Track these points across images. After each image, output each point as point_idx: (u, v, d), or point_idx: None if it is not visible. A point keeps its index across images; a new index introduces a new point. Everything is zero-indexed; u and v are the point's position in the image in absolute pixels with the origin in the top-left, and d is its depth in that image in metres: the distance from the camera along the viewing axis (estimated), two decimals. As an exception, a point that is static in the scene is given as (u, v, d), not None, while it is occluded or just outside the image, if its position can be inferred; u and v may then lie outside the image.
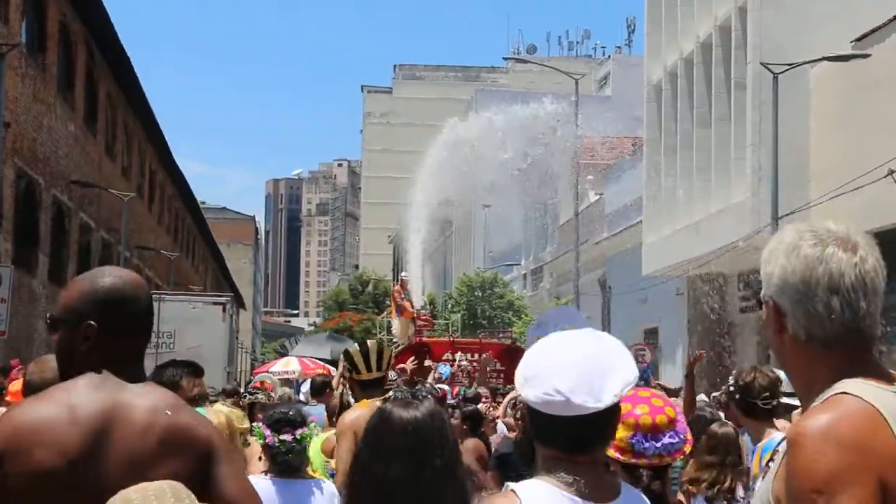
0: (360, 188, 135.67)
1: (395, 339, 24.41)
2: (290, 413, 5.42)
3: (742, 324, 27.64)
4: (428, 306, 26.11)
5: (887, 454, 2.10)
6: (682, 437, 3.85)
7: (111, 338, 2.75)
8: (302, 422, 5.33)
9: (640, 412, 3.78)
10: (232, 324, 22.07)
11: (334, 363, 29.01)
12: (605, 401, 2.50)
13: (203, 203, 78.91)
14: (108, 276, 2.84)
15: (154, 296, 15.83)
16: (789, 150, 22.12)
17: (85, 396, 2.64)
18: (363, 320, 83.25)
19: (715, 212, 25.53)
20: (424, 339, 22.10)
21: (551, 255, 44.27)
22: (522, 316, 39.10)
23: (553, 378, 2.50)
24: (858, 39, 21.75)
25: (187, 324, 19.26)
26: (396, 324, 25.36)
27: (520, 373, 2.58)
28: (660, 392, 4.34)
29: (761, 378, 5.44)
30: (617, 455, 3.72)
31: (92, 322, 2.73)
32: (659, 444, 3.74)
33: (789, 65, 21.36)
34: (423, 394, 2.95)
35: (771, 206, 21.63)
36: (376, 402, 5.30)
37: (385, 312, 57.64)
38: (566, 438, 2.52)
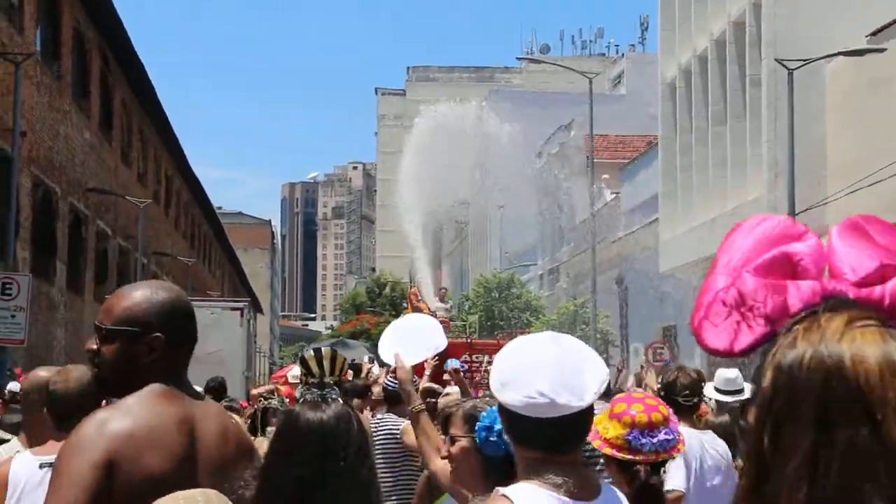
0: (375, 191, 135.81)
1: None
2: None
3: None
4: (452, 309, 26.04)
5: None
6: (675, 434, 3.90)
7: (172, 349, 2.84)
8: None
9: (635, 411, 3.87)
10: (250, 329, 22.09)
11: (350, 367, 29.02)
12: (588, 399, 2.51)
13: (219, 208, 79.11)
14: (166, 289, 2.93)
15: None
16: (805, 146, 22.03)
17: (169, 405, 2.75)
18: (380, 323, 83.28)
19: (731, 208, 25.45)
20: (442, 340, 22.06)
21: (567, 254, 44.22)
22: (540, 316, 39.06)
23: (534, 381, 2.49)
24: (873, 34, 21.65)
25: (205, 329, 19.14)
26: (413, 326, 25.32)
27: (496, 378, 2.56)
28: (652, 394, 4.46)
29: (683, 377, 5.63)
30: (614, 452, 3.81)
31: (159, 334, 2.81)
32: (655, 441, 3.81)
33: (804, 60, 21.26)
34: (333, 396, 2.99)
35: (788, 202, 21.54)
36: None
37: (402, 316, 57.75)
38: (549, 440, 2.50)
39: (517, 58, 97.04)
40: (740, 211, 24.87)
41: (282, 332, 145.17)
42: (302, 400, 3.05)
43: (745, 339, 1.39)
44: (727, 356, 1.42)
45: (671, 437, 3.88)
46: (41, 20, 25.51)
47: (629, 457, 3.80)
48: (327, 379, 6.84)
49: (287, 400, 11.33)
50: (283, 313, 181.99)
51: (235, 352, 20.02)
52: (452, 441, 3.40)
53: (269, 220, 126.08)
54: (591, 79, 31.76)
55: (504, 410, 2.55)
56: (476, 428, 3.22)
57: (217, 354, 18.37)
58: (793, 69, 21.27)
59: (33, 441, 4.14)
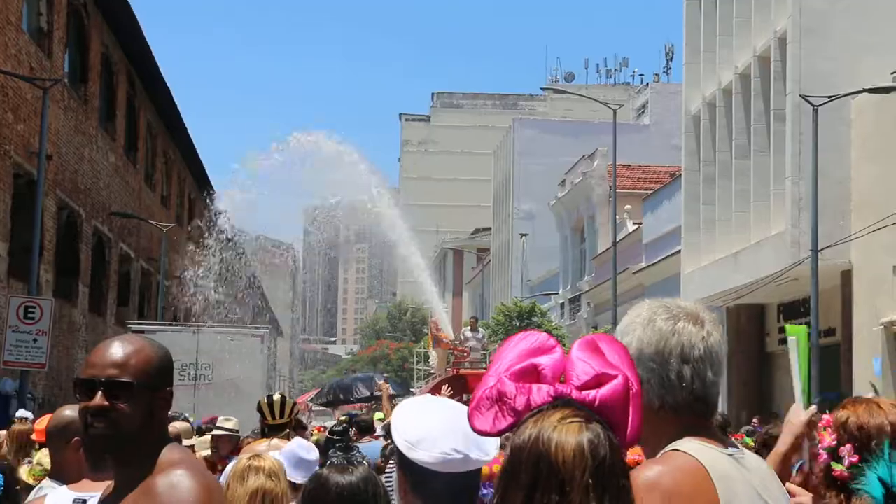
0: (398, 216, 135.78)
1: (432, 371, 24.35)
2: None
3: (783, 355, 27.35)
4: (484, 339, 25.87)
5: None
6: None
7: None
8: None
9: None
10: (269, 355, 22.13)
11: (370, 398, 29.01)
12: (492, 453, 2.65)
13: (242, 231, 79.31)
14: (154, 343, 3.01)
15: (192, 328, 15.79)
16: (829, 182, 21.94)
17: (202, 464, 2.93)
18: (400, 349, 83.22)
19: (754, 243, 25.36)
20: (461, 371, 22.03)
21: (589, 284, 44.12)
22: (563, 345, 38.95)
23: (445, 438, 2.60)
24: (899, 70, 21.60)
25: (225, 355, 19.31)
26: (434, 354, 25.32)
27: (402, 438, 2.64)
28: None
29: None
30: None
31: (170, 388, 2.92)
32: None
33: (829, 97, 21.21)
34: (359, 459, 3.04)
35: (811, 237, 21.45)
36: (279, 441, 7.01)
37: (422, 342, 57.63)
38: (447, 494, 2.61)
39: (542, 88, 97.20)
40: (763, 245, 24.79)
41: (302, 356, 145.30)
42: (329, 462, 3.11)
43: (500, 425, 1.94)
44: (489, 436, 1.99)
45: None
46: (70, 44, 25.75)
47: None
48: (277, 421, 7.25)
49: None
50: (304, 336, 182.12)
51: (255, 378, 20.05)
52: None
53: (291, 244, 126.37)
54: (616, 110, 31.78)
55: (409, 468, 2.62)
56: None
57: (236, 381, 18.41)
58: (818, 105, 21.21)
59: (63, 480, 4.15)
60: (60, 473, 4.28)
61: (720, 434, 2.59)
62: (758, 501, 2.48)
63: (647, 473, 2.42)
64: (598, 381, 2.05)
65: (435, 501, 2.63)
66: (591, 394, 2.02)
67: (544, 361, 2.08)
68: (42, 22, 23.49)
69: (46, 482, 4.52)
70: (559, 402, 1.98)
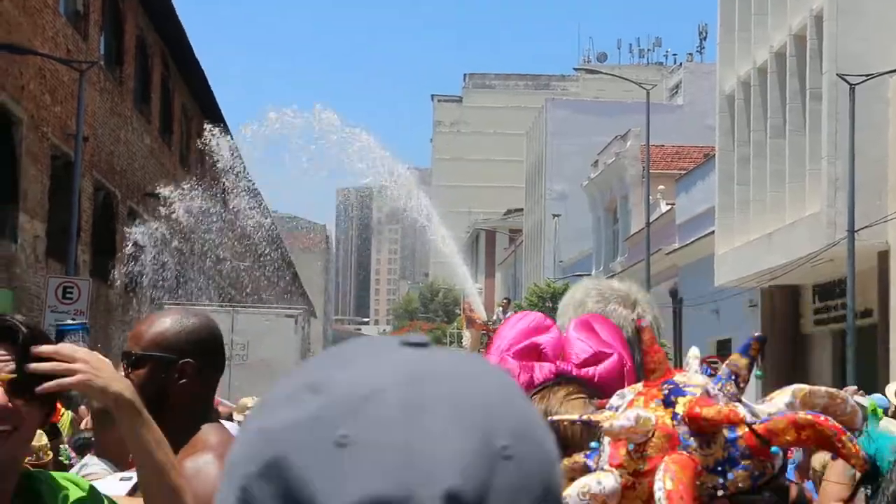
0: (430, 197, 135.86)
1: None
2: None
3: (817, 336, 27.23)
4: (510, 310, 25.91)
5: None
6: None
7: (201, 376, 2.87)
8: None
9: None
10: (304, 335, 22.25)
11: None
12: None
13: (275, 212, 79.62)
14: (196, 316, 2.97)
15: (228, 308, 15.87)
16: (866, 162, 21.77)
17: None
18: (433, 329, 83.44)
19: (789, 223, 25.20)
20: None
21: (622, 265, 44.02)
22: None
23: None
24: (937, 48, 21.38)
25: (260, 336, 19.43)
26: (467, 335, 25.39)
27: None
28: None
29: None
30: None
31: (192, 360, 2.83)
32: None
33: (867, 75, 21.02)
34: None
35: (847, 217, 21.31)
36: None
37: (455, 323, 57.71)
38: None
39: (574, 68, 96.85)
40: (798, 226, 24.64)
41: (335, 336, 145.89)
42: None
43: None
44: None
45: None
46: (105, 27, 25.92)
47: None
48: None
49: None
50: (337, 317, 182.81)
51: (289, 359, 20.16)
52: None
53: (325, 225, 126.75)
54: (649, 90, 31.65)
55: None
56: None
57: (270, 361, 18.50)
58: (854, 84, 21.03)
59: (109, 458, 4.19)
60: (106, 451, 4.33)
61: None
62: None
63: None
64: (596, 358, 2.19)
65: None
66: (590, 371, 2.16)
67: (544, 340, 2.19)
68: (78, 5, 23.66)
69: (89, 458, 4.58)
70: (561, 378, 2.11)
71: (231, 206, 26.35)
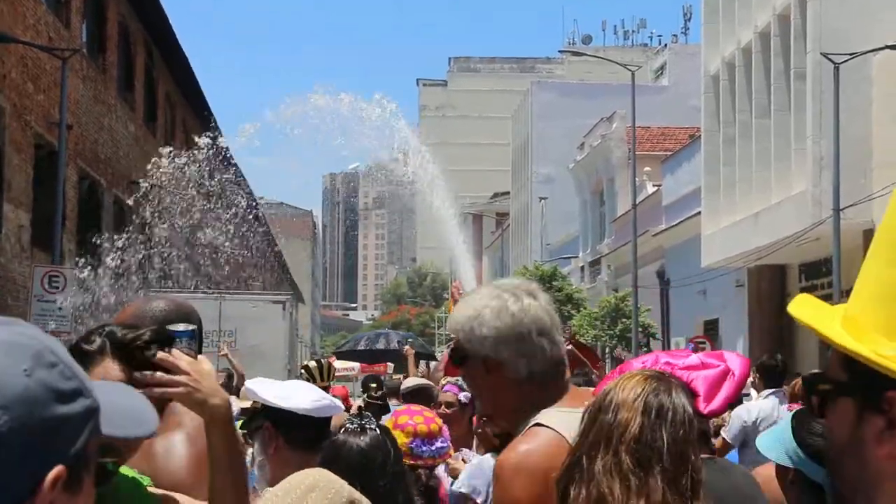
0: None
1: (452, 336, 24.25)
2: None
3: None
4: None
5: None
6: (448, 442, 4.64)
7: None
8: None
9: (416, 422, 4.55)
10: (291, 321, 22.21)
11: (388, 354, 28.95)
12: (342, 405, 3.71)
13: (261, 198, 79.46)
14: (163, 300, 3.15)
15: (215, 295, 15.80)
16: (851, 140, 21.82)
17: None
18: (421, 314, 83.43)
19: (775, 203, 25.26)
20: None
21: (609, 247, 44.09)
22: (581, 309, 38.96)
23: (310, 391, 3.55)
24: (921, 27, 21.40)
25: (248, 322, 19.39)
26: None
27: (273, 394, 3.44)
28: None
29: None
30: None
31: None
32: (433, 448, 4.48)
33: (850, 54, 21.05)
34: (371, 425, 3.27)
35: (832, 196, 21.37)
36: None
37: (443, 307, 57.58)
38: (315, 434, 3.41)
39: (559, 50, 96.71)
40: (784, 205, 24.69)
41: (323, 322, 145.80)
42: (343, 429, 3.33)
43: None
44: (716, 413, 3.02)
45: (445, 444, 4.60)
46: (87, 14, 25.76)
47: (411, 462, 4.37)
48: (323, 383, 7.85)
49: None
50: (324, 303, 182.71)
51: (277, 344, 20.14)
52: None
53: (311, 211, 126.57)
54: (634, 72, 31.63)
55: (286, 417, 3.36)
56: None
57: (258, 348, 18.49)
58: (839, 63, 21.06)
59: None
60: None
61: (573, 389, 2.87)
62: None
63: (512, 455, 2.62)
64: (702, 366, 2.90)
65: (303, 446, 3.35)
66: (691, 374, 2.83)
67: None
68: (59, -8, 23.51)
69: None
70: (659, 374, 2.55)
71: (214, 186, 26.27)
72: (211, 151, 26.00)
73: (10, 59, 20.15)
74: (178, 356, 2.41)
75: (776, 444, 3.04)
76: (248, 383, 3.31)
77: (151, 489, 2.54)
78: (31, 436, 1.14)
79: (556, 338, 2.83)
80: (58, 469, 1.16)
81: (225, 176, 26.08)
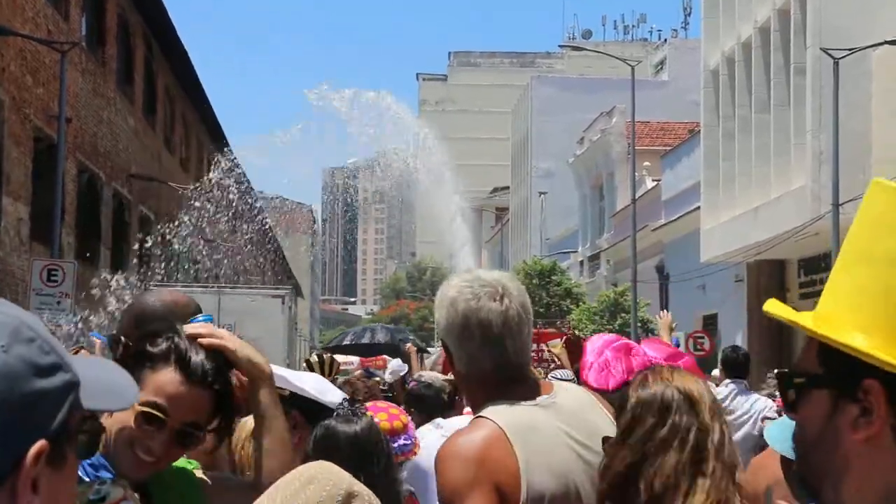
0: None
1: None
2: None
3: (803, 310, 27.22)
4: None
5: (502, 465, 2.58)
6: (413, 439, 4.67)
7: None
8: None
9: (380, 419, 4.52)
10: (290, 315, 22.20)
11: (389, 349, 28.88)
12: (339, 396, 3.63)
13: (261, 193, 79.40)
14: (141, 296, 3.54)
15: (214, 289, 15.80)
16: (850, 136, 21.81)
17: None
18: (420, 308, 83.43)
19: (774, 198, 25.26)
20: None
21: (608, 241, 44.09)
22: (581, 303, 38.95)
23: (307, 378, 3.80)
24: (921, 22, 21.38)
25: (247, 316, 19.34)
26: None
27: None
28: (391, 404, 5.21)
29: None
30: None
31: (124, 337, 3.19)
32: (396, 445, 4.42)
33: (850, 49, 21.03)
34: (363, 411, 3.42)
35: (832, 191, 21.36)
36: None
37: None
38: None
39: (559, 45, 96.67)
40: (783, 200, 24.68)
41: (322, 316, 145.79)
42: (335, 414, 3.40)
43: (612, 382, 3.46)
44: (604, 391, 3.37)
45: (409, 441, 4.61)
46: (86, 7, 25.73)
47: None
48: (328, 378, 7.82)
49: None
50: (324, 297, 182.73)
51: (276, 338, 20.12)
52: None
53: (310, 205, 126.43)
54: (634, 67, 31.61)
55: (315, 410, 3.49)
56: None
57: (257, 341, 18.48)
58: (838, 58, 21.04)
59: None
60: None
61: (532, 385, 2.83)
62: (566, 442, 2.71)
63: (448, 444, 2.70)
64: (675, 358, 3.34)
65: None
66: (679, 363, 3.16)
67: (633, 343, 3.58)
68: (58, -16, 23.48)
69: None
70: (656, 366, 2.81)
71: (216, 183, 26.29)
72: (225, 167, 26.16)
73: (9, 51, 20.13)
74: (213, 328, 2.60)
75: (784, 436, 3.07)
76: (277, 370, 3.36)
77: (198, 472, 2.65)
78: (11, 411, 1.13)
79: (510, 343, 2.75)
80: (40, 444, 1.15)
81: (232, 183, 26.11)
